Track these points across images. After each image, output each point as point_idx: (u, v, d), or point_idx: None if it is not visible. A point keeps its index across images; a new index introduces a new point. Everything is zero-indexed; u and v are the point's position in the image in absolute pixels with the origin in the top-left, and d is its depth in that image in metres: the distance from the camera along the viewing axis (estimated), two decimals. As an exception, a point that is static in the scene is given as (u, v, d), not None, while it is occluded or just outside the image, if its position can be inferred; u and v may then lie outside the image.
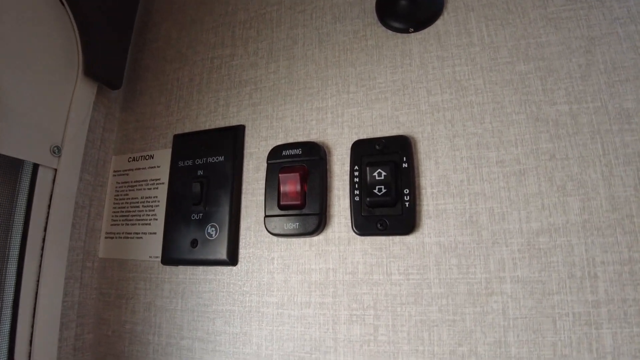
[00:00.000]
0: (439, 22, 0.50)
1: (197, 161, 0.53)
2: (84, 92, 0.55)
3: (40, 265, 0.48)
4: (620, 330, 0.37)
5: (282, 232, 0.47)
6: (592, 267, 0.39)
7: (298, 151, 0.49)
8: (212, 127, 0.55)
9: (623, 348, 0.37)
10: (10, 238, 0.47)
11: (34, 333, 0.47)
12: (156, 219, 0.55)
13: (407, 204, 0.44)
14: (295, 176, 0.47)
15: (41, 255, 0.49)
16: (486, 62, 0.47)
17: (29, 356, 0.46)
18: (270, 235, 0.49)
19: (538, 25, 0.46)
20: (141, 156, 0.59)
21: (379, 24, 0.52)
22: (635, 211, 0.39)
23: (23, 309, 0.46)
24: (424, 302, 0.42)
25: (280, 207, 0.48)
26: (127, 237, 0.56)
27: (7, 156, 0.45)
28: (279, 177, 0.47)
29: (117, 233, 0.57)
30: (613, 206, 0.40)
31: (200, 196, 0.51)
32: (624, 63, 0.43)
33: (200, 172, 0.53)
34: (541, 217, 0.41)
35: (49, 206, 0.50)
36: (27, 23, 0.48)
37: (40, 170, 0.49)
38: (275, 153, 0.50)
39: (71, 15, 0.53)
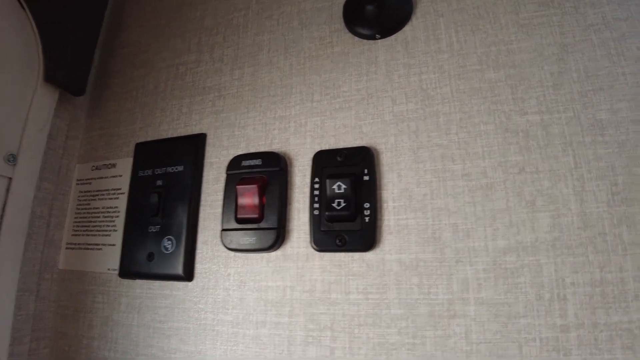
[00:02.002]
0: (407, 28, 0.46)
1: (157, 171, 0.50)
2: (44, 99, 0.52)
3: (-12, 279, 0.45)
4: (591, 357, 0.33)
5: (238, 247, 0.44)
6: (561, 288, 0.35)
7: (258, 162, 0.45)
8: (174, 135, 0.52)
9: (594, 378, 0.33)
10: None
11: (-22, 349, 0.43)
12: (116, 230, 0.52)
13: (367, 218, 0.40)
14: (253, 188, 0.43)
15: (-10, 268, 0.45)
16: (454, 70, 0.43)
17: (-28, 375, 0.43)
18: (227, 250, 0.45)
19: (509, 31, 0.43)
20: (104, 165, 0.55)
21: (346, 30, 0.48)
22: (607, 229, 0.35)
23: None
24: (382, 323, 0.39)
25: (237, 221, 0.44)
26: (88, 248, 0.53)
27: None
28: (236, 188, 0.44)
29: (78, 244, 0.54)
30: (585, 223, 0.36)
31: (158, 207, 0.48)
32: (598, 71, 0.39)
33: (159, 182, 0.49)
34: (508, 235, 0.38)
35: (2, 216, 0.47)
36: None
37: (-7, 179, 0.46)
38: (235, 163, 0.46)
39: (32, 19, 0.50)
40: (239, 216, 0.44)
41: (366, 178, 0.41)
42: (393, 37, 0.46)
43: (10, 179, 0.48)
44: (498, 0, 0.44)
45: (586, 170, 0.37)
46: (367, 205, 0.41)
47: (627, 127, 0.37)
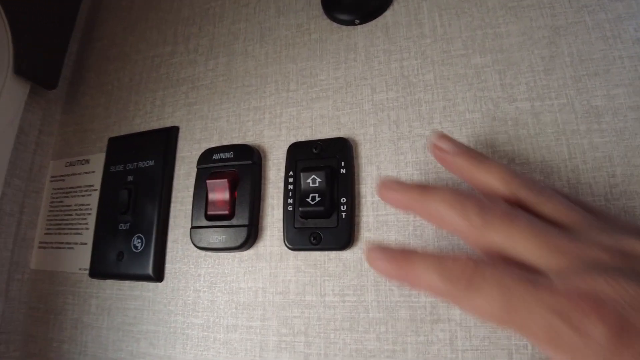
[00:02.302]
0: (387, 12, 0.42)
1: (128, 166, 0.46)
2: (13, 92, 0.48)
3: (-52, 280, 0.42)
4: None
5: (207, 246, 0.40)
6: (554, 290, 0.31)
7: (229, 155, 0.41)
8: (147, 129, 0.48)
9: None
10: None
11: None
12: (87, 228, 0.48)
13: (343, 214, 0.36)
14: (224, 182, 0.39)
15: (-50, 269, 0.42)
16: (438, 55, 0.39)
17: None
18: (197, 249, 0.41)
19: (497, 14, 0.39)
20: (77, 161, 0.52)
21: (324, 17, 0.45)
22: (605, 225, 0.31)
23: None
24: (360, 328, 0.35)
25: (207, 218, 0.41)
26: (60, 247, 0.50)
27: None
28: (206, 183, 0.40)
29: (51, 243, 0.51)
30: (580, 219, 0.32)
31: (128, 204, 0.44)
32: (593, 55, 0.35)
33: (130, 178, 0.46)
34: (496, 231, 0.33)
35: (-37, 214, 0.43)
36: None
37: (-46, 175, 0.43)
38: (206, 157, 0.43)
39: (1, 9, 0.46)
40: (209, 213, 0.40)
41: (343, 171, 0.38)
42: (373, 22, 0.42)
43: (-26, 175, 0.45)
44: (485, -19, 0.40)
45: (581, 161, 0.33)
46: (343, 200, 0.37)
47: (625, 114, 0.33)
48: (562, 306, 0.18)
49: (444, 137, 0.30)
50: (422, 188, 0.26)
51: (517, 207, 0.24)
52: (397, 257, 0.24)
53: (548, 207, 0.24)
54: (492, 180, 0.26)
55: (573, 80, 0.35)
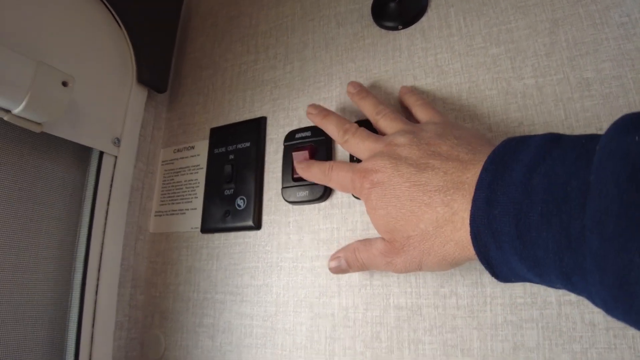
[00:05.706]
0: (423, 19, 0.62)
1: (229, 148, 0.68)
2: (137, 96, 0.72)
3: (104, 233, 0.65)
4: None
5: (295, 200, 0.60)
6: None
7: (308, 134, 0.62)
8: (241, 119, 0.70)
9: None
10: (82, 210, 0.64)
11: (99, 285, 0.63)
12: (196, 197, 0.70)
13: (395, 169, 0.55)
14: (305, 153, 0.60)
15: (104, 225, 0.65)
16: (463, 49, 0.58)
17: (95, 303, 0.62)
18: (287, 204, 0.62)
19: (508, 13, 0.57)
20: (184, 147, 0.75)
21: (374, 25, 0.65)
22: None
23: (91, 265, 0.63)
24: (411, 250, 0.53)
25: (294, 180, 0.61)
26: (173, 214, 0.72)
27: (81, 145, 0.63)
28: (292, 154, 0.61)
29: (165, 211, 0.73)
30: (574, 162, 0.49)
31: (231, 175, 0.66)
32: (585, 39, 0.52)
33: (231, 157, 0.68)
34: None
35: (111, 186, 0.67)
36: (95, 45, 0.66)
37: (105, 157, 0.66)
38: (290, 137, 0.63)
39: (127, 36, 0.71)
40: (294, 176, 0.61)
41: (394, 138, 0.56)
42: (413, 27, 0.62)
43: (116, 157, 0.68)
44: (499, -11, 0.59)
45: (574, 120, 0.50)
46: (395, 159, 0.56)
47: (610, 82, 0.50)
48: (355, 176, 0.46)
49: (351, 84, 0.60)
50: (325, 114, 0.56)
51: (362, 127, 0.52)
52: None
53: (380, 123, 0.51)
54: (366, 107, 0.55)
55: (569, 60, 0.52)
